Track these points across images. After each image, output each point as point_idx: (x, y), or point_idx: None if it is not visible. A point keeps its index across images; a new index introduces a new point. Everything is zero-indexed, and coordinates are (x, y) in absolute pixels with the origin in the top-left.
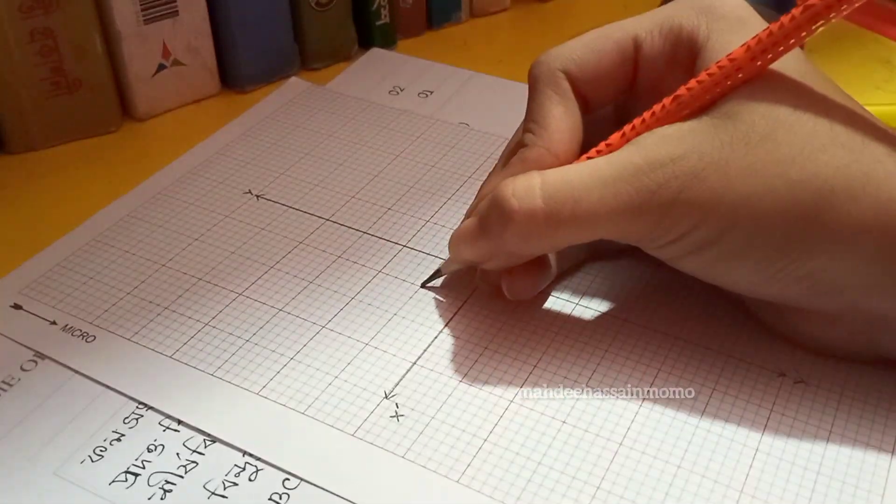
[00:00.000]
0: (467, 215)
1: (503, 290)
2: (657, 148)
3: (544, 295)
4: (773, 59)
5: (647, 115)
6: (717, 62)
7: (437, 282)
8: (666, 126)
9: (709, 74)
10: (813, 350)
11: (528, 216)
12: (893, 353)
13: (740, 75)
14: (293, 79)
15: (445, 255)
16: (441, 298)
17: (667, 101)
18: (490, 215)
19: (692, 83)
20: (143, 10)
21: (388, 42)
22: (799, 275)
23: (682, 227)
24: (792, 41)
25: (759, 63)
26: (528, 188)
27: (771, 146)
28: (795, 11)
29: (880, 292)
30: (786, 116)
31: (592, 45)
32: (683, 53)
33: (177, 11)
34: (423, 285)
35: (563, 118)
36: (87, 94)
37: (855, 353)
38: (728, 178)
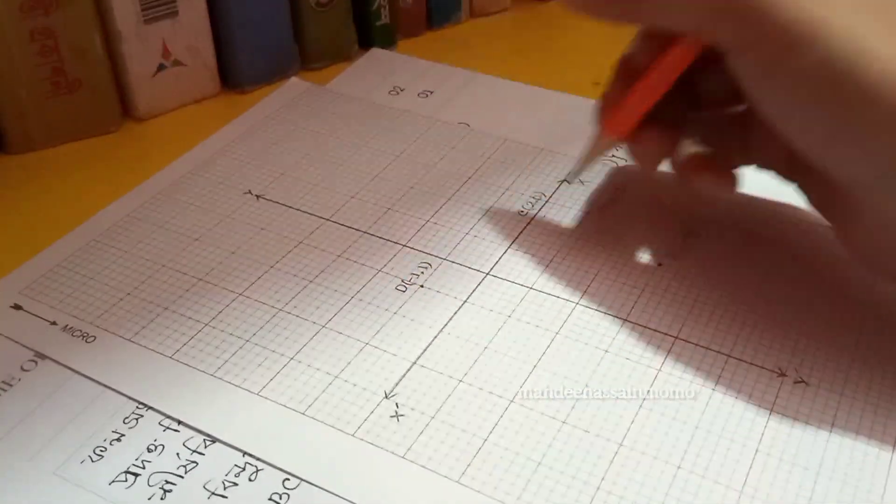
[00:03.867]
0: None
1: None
2: None
3: (543, 293)
4: None
5: None
6: None
7: (584, 174)
8: None
9: None
10: (859, 260)
11: None
12: None
13: None
14: (293, 79)
15: (445, 253)
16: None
17: None
18: None
19: None
20: (143, 10)
21: (388, 42)
22: (858, 134)
23: (762, 31)
24: None
25: None
26: None
27: None
28: None
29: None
30: None
31: None
32: None
33: (177, 11)
34: (568, 180)
35: None
36: (87, 94)
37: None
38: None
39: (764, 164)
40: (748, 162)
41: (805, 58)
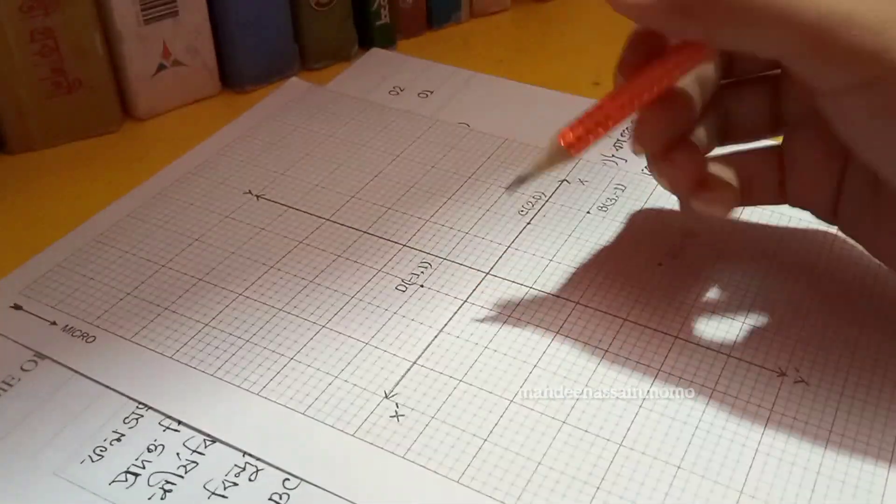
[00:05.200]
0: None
1: (693, 204)
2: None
3: (543, 293)
4: None
5: None
6: None
7: (524, 187)
8: None
9: None
10: None
11: None
12: None
13: None
14: (293, 79)
15: (445, 253)
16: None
17: None
18: None
19: None
20: (143, 10)
21: (388, 42)
22: None
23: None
24: None
25: None
26: None
27: None
28: None
29: None
30: None
31: None
32: None
33: (177, 11)
34: (508, 189)
35: None
36: (87, 94)
37: None
38: None
39: (803, 204)
40: (781, 201)
41: None
